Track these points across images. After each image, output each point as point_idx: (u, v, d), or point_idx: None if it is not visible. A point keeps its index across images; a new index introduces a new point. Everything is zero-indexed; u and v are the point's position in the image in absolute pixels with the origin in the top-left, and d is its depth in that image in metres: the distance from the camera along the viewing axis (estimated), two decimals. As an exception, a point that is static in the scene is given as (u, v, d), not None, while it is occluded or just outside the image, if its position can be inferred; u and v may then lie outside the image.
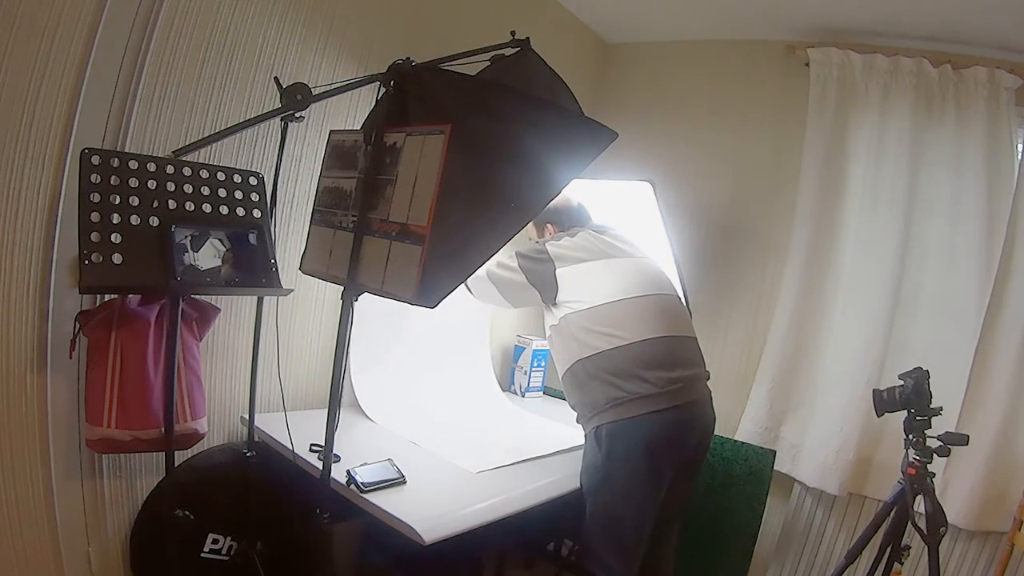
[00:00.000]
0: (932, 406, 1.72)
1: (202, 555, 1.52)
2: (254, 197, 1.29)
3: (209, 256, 1.19)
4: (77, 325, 1.25)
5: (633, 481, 1.60)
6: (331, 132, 1.37)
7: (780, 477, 2.27)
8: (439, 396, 2.17)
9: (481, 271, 1.78)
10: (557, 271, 1.71)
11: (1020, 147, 2.09)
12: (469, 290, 1.89)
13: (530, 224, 1.90)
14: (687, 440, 1.66)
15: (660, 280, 1.80)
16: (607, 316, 1.66)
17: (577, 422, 1.74)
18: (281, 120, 1.33)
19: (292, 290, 1.37)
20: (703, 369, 1.75)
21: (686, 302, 1.90)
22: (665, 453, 1.61)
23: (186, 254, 1.15)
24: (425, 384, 2.16)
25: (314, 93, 1.27)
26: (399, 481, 1.44)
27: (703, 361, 1.76)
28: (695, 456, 1.73)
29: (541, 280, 1.73)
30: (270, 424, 1.61)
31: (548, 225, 1.91)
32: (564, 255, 1.73)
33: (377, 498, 1.37)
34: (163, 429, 1.22)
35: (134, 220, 1.10)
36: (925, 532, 1.69)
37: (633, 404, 1.59)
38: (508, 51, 1.56)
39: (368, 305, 1.19)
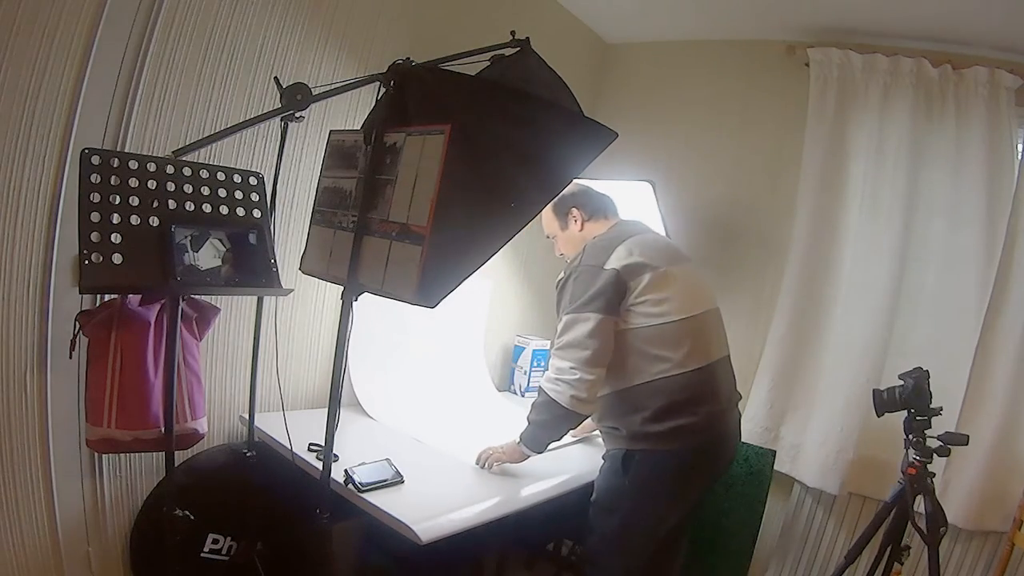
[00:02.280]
0: (932, 406, 1.72)
1: (202, 555, 1.52)
2: (254, 197, 1.29)
3: (209, 256, 1.18)
4: (77, 325, 1.25)
5: (659, 509, 1.56)
6: (331, 132, 1.37)
7: (780, 477, 2.27)
8: (440, 394, 2.17)
9: (560, 397, 1.51)
10: (630, 284, 1.54)
11: (1020, 147, 2.09)
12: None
13: (548, 216, 1.76)
14: (718, 469, 1.67)
15: (709, 291, 1.70)
16: (666, 337, 1.53)
17: (595, 431, 1.72)
18: (281, 120, 1.32)
19: (292, 290, 1.37)
20: (737, 393, 1.74)
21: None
22: (696, 483, 1.60)
23: (186, 254, 1.15)
24: (426, 383, 2.17)
25: (314, 93, 1.27)
26: (396, 481, 1.44)
27: (735, 381, 1.74)
28: (718, 479, 1.73)
29: (613, 304, 1.53)
30: (270, 424, 1.61)
31: (573, 210, 1.71)
32: (633, 265, 1.54)
33: (375, 497, 1.37)
34: (163, 429, 1.21)
35: (134, 220, 1.10)
36: (925, 532, 1.68)
37: (674, 436, 1.52)
38: (508, 51, 1.56)
39: (368, 305, 1.19)
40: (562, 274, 1.63)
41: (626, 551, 1.58)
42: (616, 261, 1.54)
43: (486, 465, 1.65)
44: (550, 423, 1.57)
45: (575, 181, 1.65)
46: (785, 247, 2.33)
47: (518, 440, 1.63)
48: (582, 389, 1.50)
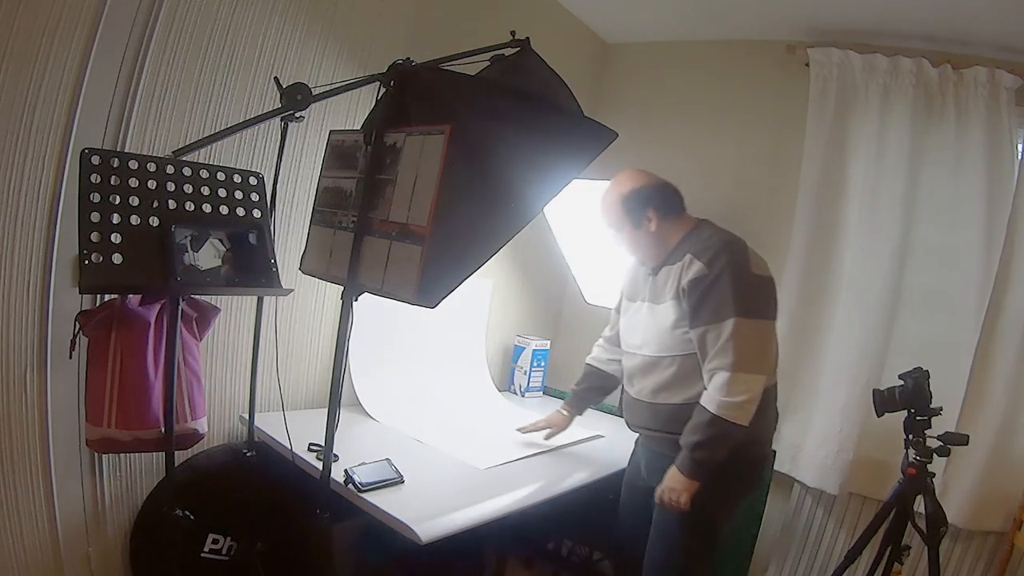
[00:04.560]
0: (932, 406, 1.72)
1: (202, 555, 1.52)
2: (254, 197, 1.29)
3: (209, 256, 1.18)
4: (77, 325, 1.25)
5: (733, 513, 1.63)
6: (331, 132, 1.37)
7: (780, 477, 2.27)
8: (440, 394, 2.17)
9: (746, 390, 1.40)
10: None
11: (1020, 147, 2.09)
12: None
13: (616, 215, 1.60)
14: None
15: None
16: (776, 350, 1.57)
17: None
18: (281, 120, 1.32)
19: (292, 290, 1.37)
20: None
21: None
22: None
23: (186, 254, 1.15)
24: (426, 383, 2.17)
25: (314, 93, 1.27)
26: (396, 481, 1.44)
27: None
28: None
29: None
30: (270, 424, 1.61)
31: (650, 212, 1.57)
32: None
33: (375, 497, 1.37)
34: (163, 429, 1.21)
35: (134, 220, 1.10)
36: (925, 532, 1.69)
37: (770, 443, 1.66)
38: (508, 51, 1.56)
39: (369, 304, 1.19)
40: (693, 273, 1.47)
41: (704, 566, 1.58)
42: (764, 269, 1.50)
43: (674, 503, 1.48)
44: (728, 447, 1.43)
45: (643, 171, 1.64)
46: (785, 247, 2.33)
47: (689, 477, 1.45)
48: (756, 401, 1.41)
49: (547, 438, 1.88)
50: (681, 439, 1.47)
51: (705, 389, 1.46)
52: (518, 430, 1.91)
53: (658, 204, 1.58)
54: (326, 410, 1.21)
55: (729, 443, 1.42)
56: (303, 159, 1.76)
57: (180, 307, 1.22)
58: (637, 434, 1.72)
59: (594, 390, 1.90)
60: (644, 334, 1.61)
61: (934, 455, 1.70)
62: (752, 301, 1.42)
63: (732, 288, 1.42)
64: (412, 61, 1.22)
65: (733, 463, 1.47)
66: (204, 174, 1.22)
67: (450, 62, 1.42)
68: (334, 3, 1.76)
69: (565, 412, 1.91)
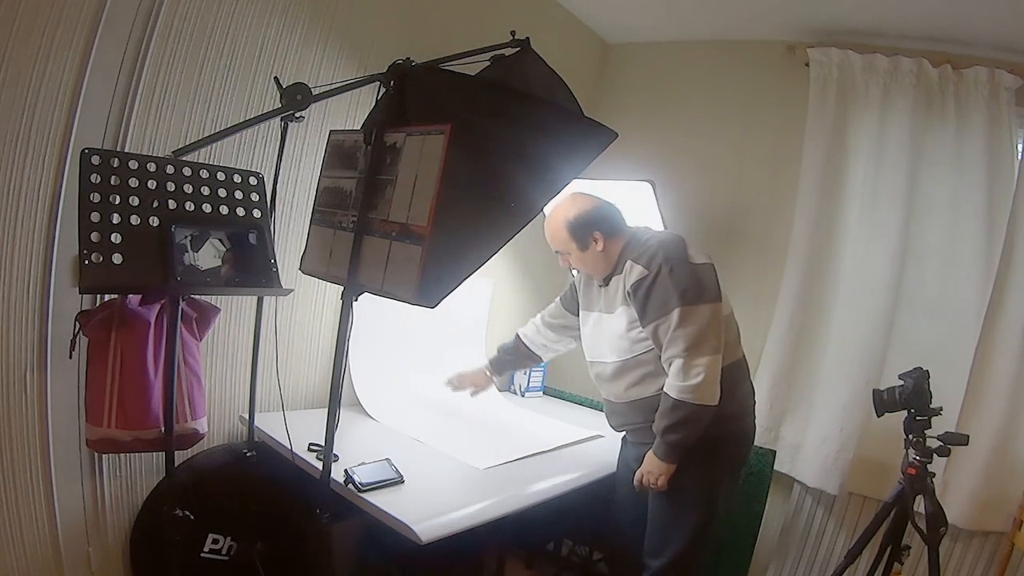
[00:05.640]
0: (932, 406, 1.72)
1: (202, 555, 1.52)
2: (254, 197, 1.29)
3: (209, 256, 1.19)
4: (77, 325, 1.25)
5: (723, 491, 1.64)
6: (331, 132, 1.38)
7: (780, 477, 2.27)
8: (441, 394, 2.17)
9: (700, 373, 1.46)
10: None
11: (1020, 147, 2.09)
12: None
13: (563, 238, 1.65)
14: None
15: None
16: (732, 327, 1.66)
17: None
18: (281, 120, 1.33)
19: (292, 290, 1.37)
20: None
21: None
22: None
23: (186, 254, 1.15)
24: (427, 382, 2.17)
25: (314, 93, 1.27)
26: (396, 481, 1.44)
27: None
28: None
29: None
30: (270, 424, 1.62)
31: (596, 234, 1.62)
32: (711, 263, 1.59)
33: (375, 497, 1.37)
34: (163, 429, 1.21)
35: (134, 220, 1.10)
36: (925, 532, 1.69)
37: (747, 416, 1.70)
38: (508, 51, 1.56)
39: (368, 304, 1.19)
40: (635, 276, 1.54)
41: (702, 544, 1.62)
42: (703, 257, 1.56)
43: (652, 485, 1.55)
44: (698, 428, 1.49)
45: (584, 194, 1.68)
46: (785, 247, 2.33)
47: (664, 460, 1.52)
48: (716, 380, 1.48)
49: (472, 395, 2.02)
50: (653, 427, 1.54)
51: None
52: (445, 384, 2.00)
53: (603, 226, 1.63)
54: (326, 410, 1.21)
55: (698, 423, 1.49)
56: (303, 159, 1.76)
57: (180, 307, 1.22)
58: (623, 433, 1.78)
59: (515, 363, 2.06)
60: (607, 343, 1.67)
61: (934, 455, 1.70)
62: (692, 289, 1.50)
63: (672, 281, 1.50)
64: (412, 61, 1.22)
65: (712, 439, 1.53)
66: (204, 174, 1.22)
67: (450, 62, 1.43)
68: (334, 3, 1.76)
69: (488, 373, 2.03)
